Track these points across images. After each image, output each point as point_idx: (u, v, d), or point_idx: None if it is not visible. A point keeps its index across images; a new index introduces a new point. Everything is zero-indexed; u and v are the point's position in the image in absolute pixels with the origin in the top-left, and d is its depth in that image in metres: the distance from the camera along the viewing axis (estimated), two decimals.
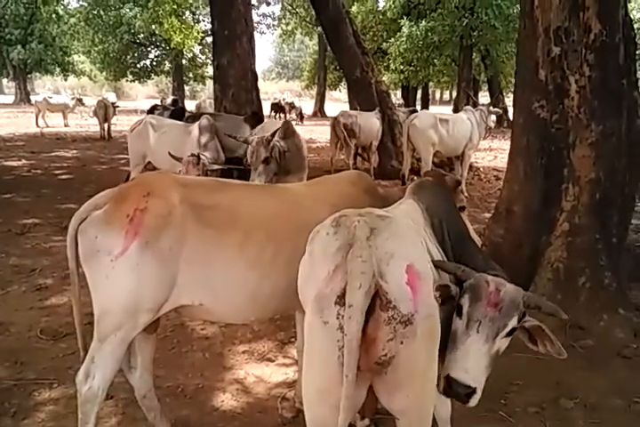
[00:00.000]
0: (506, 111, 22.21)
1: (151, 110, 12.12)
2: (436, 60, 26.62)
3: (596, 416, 3.03)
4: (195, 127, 6.50)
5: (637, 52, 4.55)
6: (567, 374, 3.42)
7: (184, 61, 36.95)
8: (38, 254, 5.68)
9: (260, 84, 9.92)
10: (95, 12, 29.53)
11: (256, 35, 10.43)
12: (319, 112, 35.88)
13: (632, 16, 4.57)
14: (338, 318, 1.63)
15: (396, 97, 30.23)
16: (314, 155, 14.69)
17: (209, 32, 30.54)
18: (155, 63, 37.92)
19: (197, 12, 35.39)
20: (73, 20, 31.91)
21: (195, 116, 8.30)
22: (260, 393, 3.27)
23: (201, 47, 36.20)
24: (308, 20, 31.83)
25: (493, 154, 15.03)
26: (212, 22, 9.93)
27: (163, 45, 34.57)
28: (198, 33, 29.81)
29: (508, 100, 26.57)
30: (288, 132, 5.69)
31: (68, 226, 2.29)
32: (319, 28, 26.07)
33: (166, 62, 37.77)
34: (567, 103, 4.12)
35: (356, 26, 12.86)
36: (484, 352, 1.89)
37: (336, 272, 1.68)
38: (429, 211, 2.29)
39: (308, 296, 1.77)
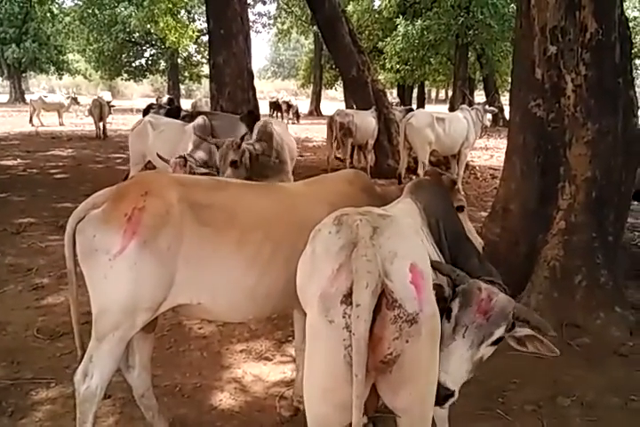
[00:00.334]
0: (501, 110, 22.29)
1: (147, 109, 12.09)
2: (431, 59, 26.63)
3: (593, 414, 3.04)
4: (190, 127, 6.49)
5: (633, 51, 4.57)
6: (564, 372, 3.43)
7: (179, 60, 36.86)
8: (34, 254, 5.67)
9: (256, 82, 9.93)
10: (90, 11, 29.37)
11: (252, 34, 10.41)
12: (315, 111, 35.86)
13: (627, 15, 4.59)
14: (344, 317, 1.62)
15: (392, 96, 30.23)
16: (310, 154, 14.70)
17: (204, 31, 30.55)
18: (150, 62, 37.82)
19: (193, 11, 35.31)
20: (68, 19, 31.75)
21: (191, 115, 8.27)
22: (258, 392, 3.27)
23: (196, 46, 36.13)
24: (303, 18, 31.82)
25: (489, 153, 15.07)
26: (207, 21, 9.93)
27: (158, 44, 34.49)
28: (194, 32, 29.74)
29: (504, 99, 26.64)
30: (265, 134, 5.59)
31: (65, 225, 2.28)
32: (315, 27, 26.07)
33: (161, 61, 37.66)
34: (563, 102, 4.14)
35: (352, 25, 12.85)
36: (466, 358, 1.91)
37: (340, 271, 1.68)
38: (427, 210, 2.30)
39: (310, 295, 1.76)
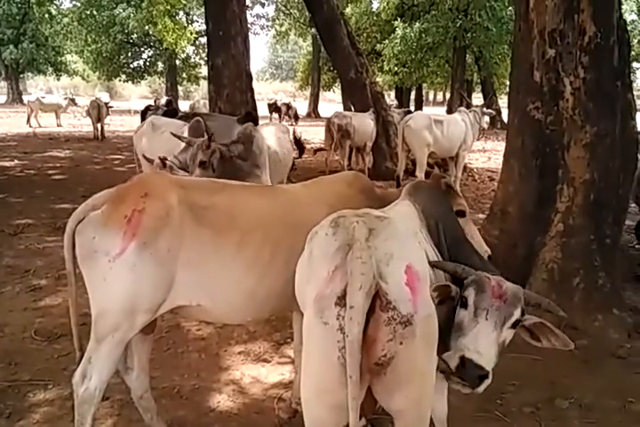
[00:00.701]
0: (499, 112, 22.34)
1: (145, 111, 12.09)
2: (429, 62, 26.70)
3: (592, 416, 3.04)
4: (185, 128, 6.48)
5: (631, 54, 4.58)
6: (562, 374, 3.43)
7: (177, 62, 36.87)
8: (32, 255, 5.65)
9: (254, 84, 9.93)
10: (88, 12, 29.34)
11: (250, 35, 10.42)
12: (313, 113, 35.90)
13: (625, 18, 4.61)
14: (338, 318, 1.63)
15: (390, 98, 30.27)
16: (308, 155, 14.69)
17: (203, 33, 30.56)
18: (148, 63, 37.83)
19: (191, 13, 35.33)
20: (66, 20, 31.69)
21: (187, 116, 8.26)
22: (257, 394, 3.26)
23: (194, 48, 36.14)
24: (301, 20, 31.87)
25: (487, 155, 15.09)
26: (206, 23, 9.93)
27: (156, 46, 34.47)
28: (191, 33, 29.75)
29: (502, 102, 26.69)
30: (244, 136, 5.44)
31: (62, 226, 2.29)
32: (313, 29, 26.14)
33: (160, 63, 37.67)
34: (562, 105, 4.15)
35: (351, 27, 12.88)
36: (493, 339, 1.92)
37: (336, 273, 1.68)
38: (425, 212, 2.30)
39: (307, 297, 1.77)
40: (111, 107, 19.31)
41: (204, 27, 29.66)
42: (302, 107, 34.82)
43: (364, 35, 28.08)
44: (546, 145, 4.23)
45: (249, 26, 12.16)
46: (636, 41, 26.98)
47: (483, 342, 1.90)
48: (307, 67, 37.95)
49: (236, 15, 9.41)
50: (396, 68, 25.76)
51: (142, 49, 37.19)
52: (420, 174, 8.56)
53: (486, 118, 10.46)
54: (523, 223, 4.39)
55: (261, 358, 3.71)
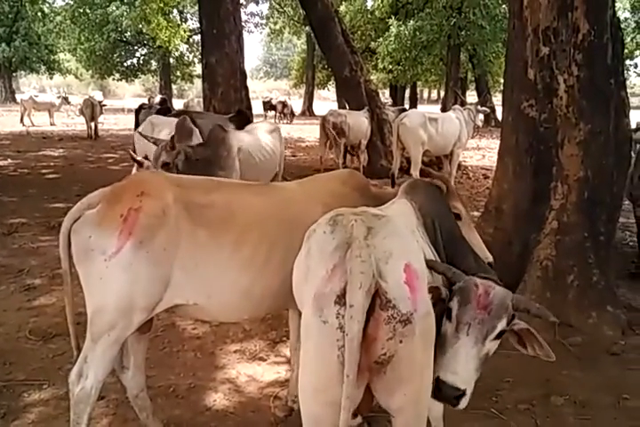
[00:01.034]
0: (493, 110, 22.38)
1: (138, 109, 12.04)
2: (423, 60, 26.66)
3: (586, 413, 3.06)
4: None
5: (624, 52, 4.60)
6: (557, 371, 3.45)
7: (171, 60, 36.74)
8: (26, 254, 5.63)
9: (249, 83, 9.93)
10: (81, 11, 29.21)
11: (244, 34, 10.40)
12: (308, 111, 35.88)
13: (619, 16, 4.64)
14: (337, 317, 1.63)
15: (385, 96, 30.28)
16: (303, 154, 14.70)
17: (196, 31, 30.50)
18: (142, 62, 37.65)
19: (185, 11, 35.22)
20: (59, 18, 31.54)
21: (178, 115, 8.26)
22: (253, 392, 3.26)
23: (188, 46, 36.03)
24: (296, 18, 31.81)
25: (481, 153, 15.12)
26: (200, 21, 9.93)
27: (150, 44, 34.34)
28: (185, 31, 29.65)
29: (496, 100, 26.77)
30: (211, 137, 5.39)
31: (56, 226, 2.28)
32: (307, 27, 26.09)
33: (153, 61, 37.52)
34: (556, 102, 4.16)
35: (345, 25, 12.86)
36: (473, 355, 1.89)
37: (335, 271, 1.68)
38: (422, 210, 2.30)
39: (305, 295, 1.77)
40: (105, 105, 19.22)
41: (197, 25, 29.64)
42: (297, 105, 34.79)
43: (359, 33, 28.05)
44: (540, 143, 4.24)
45: (243, 24, 12.14)
46: (629, 38, 27.08)
47: (461, 360, 1.88)
48: (301, 65, 37.93)
49: (230, 13, 9.39)
50: (390, 66, 25.77)
51: (136, 47, 37.03)
52: (415, 172, 8.56)
53: (480, 116, 10.52)
54: (517, 221, 4.40)
55: (257, 356, 3.71)
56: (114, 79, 39.36)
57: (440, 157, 9.64)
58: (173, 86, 42.84)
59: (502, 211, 4.51)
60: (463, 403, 1.89)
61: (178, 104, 22.14)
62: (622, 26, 5.00)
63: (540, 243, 4.23)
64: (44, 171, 10.78)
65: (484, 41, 24.01)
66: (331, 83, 34.42)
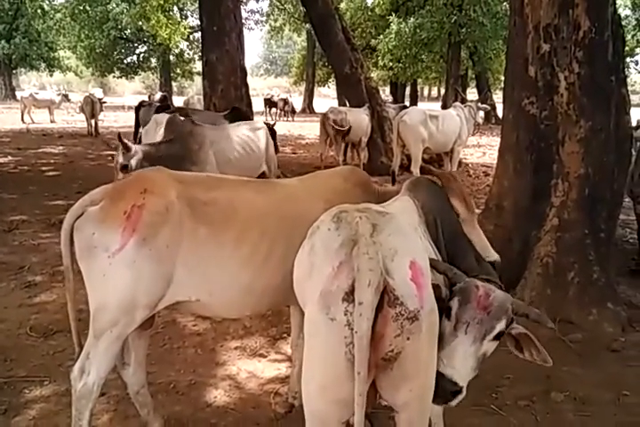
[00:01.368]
0: (494, 108, 22.35)
1: (138, 107, 12.03)
2: (424, 57, 26.66)
3: (586, 409, 3.07)
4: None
5: (625, 49, 4.59)
6: (557, 367, 3.45)
7: (171, 57, 36.69)
8: (26, 251, 5.63)
9: (248, 80, 9.91)
10: (81, 8, 29.11)
11: (244, 31, 10.38)
12: (308, 108, 35.88)
13: (620, 13, 4.62)
14: (346, 314, 1.62)
15: (385, 93, 30.28)
16: (303, 151, 14.70)
17: (197, 28, 30.44)
18: (142, 59, 37.60)
19: (185, 8, 35.15)
20: (59, 16, 31.47)
21: (172, 112, 8.27)
22: (253, 389, 3.27)
23: (188, 43, 35.99)
24: (296, 16, 31.75)
25: (482, 150, 15.11)
26: (200, 18, 9.91)
27: (150, 41, 34.30)
28: (185, 29, 29.60)
29: (496, 97, 26.74)
30: (178, 132, 5.23)
31: (57, 223, 2.29)
32: (307, 25, 26.04)
33: (153, 58, 37.46)
34: (556, 100, 4.16)
35: (345, 22, 12.85)
36: (470, 353, 1.90)
37: (341, 269, 1.67)
38: (424, 208, 2.29)
39: (309, 292, 1.76)
40: (105, 103, 19.22)
41: (197, 22, 29.61)
42: (297, 102, 34.79)
43: (359, 30, 28.02)
44: (540, 140, 4.24)
45: (243, 21, 12.10)
46: (629, 36, 27.04)
47: (459, 357, 1.88)
48: (301, 62, 37.90)
49: (231, 10, 9.37)
50: (390, 64, 25.74)
51: (136, 44, 36.98)
52: (415, 170, 8.56)
53: (481, 113, 10.51)
54: (518, 218, 4.40)
55: (257, 353, 3.71)
56: (114, 76, 39.33)
57: (440, 154, 9.64)
58: (173, 84, 42.78)
59: (503, 208, 4.51)
60: (456, 401, 1.90)
61: (178, 101, 22.12)
62: (623, 23, 4.99)
63: (541, 240, 4.24)
64: (44, 168, 10.78)
65: (485, 38, 24.00)
66: (331, 80, 34.39)
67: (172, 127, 5.43)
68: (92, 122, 17.30)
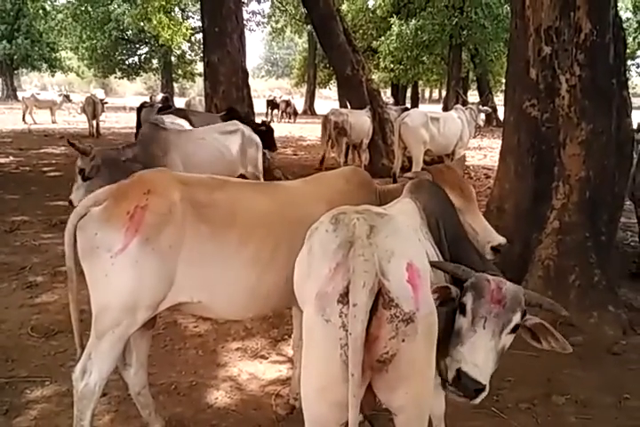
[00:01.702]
0: (495, 110, 22.33)
1: (140, 108, 12.05)
2: (425, 59, 26.70)
3: (587, 412, 3.07)
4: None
5: (626, 52, 4.60)
6: (558, 370, 3.46)
7: (173, 58, 36.74)
8: (28, 252, 5.64)
9: (250, 81, 9.91)
10: (83, 9, 29.16)
11: (245, 32, 10.39)
12: (309, 110, 35.89)
13: (621, 16, 4.62)
14: (341, 316, 1.63)
15: (386, 95, 30.28)
16: (304, 153, 14.71)
17: (198, 29, 30.45)
18: (143, 60, 37.62)
19: (187, 9, 35.19)
20: (60, 16, 31.52)
21: (170, 113, 8.30)
22: (254, 390, 3.27)
23: (190, 44, 36.02)
24: (297, 17, 31.77)
25: (483, 152, 15.11)
26: (202, 19, 9.91)
27: (151, 42, 34.34)
28: (187, 29, 29.62)
29: (497, 99, 26.73)
30: (143, 136, 5.13)
31: (58, 223, 2.30)
32: (309, 26, 26.10)
33: (155, 59, 37.50)
34: (558, 102, 4.16)
35: (347, 24, 12.86)
36: (490, 348, 1.90)
37: (337, 270, 1.68)
38: (426, 210, 2.29)
39: (307, 294, 1.76)
40: (106, 103, 19.25)
41: (199, 23, 29.64)
42: (298, 104, 34.82)
43: (360, 32, 28.06)
44: (542, 142, 4.25)
45: (244, 22, 12.10)
46: (631, 38, 27.05)
47: (480, 353, 1.88)
48: (302, 64, 37.93)
49: (232, 11, 9.37)
50: (391, 66, 25.76)
51: (137, 45, 37.02)
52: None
53: (482, 116, 10.52)
54: (519, 221, 4.40)
55: (259, 354, 3.72)
56: (115, 77, 39.37)
57: (442, 156, 9.64)
58: (175, 85, 42.83)
59: (504, 210, 4.51)
60: (479, 398, 1.89)
61: (179, 102, 22.11)
62: (624, 26, 5.00)
63: (542, 242, 4.24)
64: (45, 169, 10.78)
65: (486, 40, 24.00)
66: (332, 82, 34.38)
67: (141, 131, 5.40)
68: (94, 123, 17.32)
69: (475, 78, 29.78)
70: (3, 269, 5.09)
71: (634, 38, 27.82)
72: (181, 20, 30.87)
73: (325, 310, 1.66)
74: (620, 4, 23.27)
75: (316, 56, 34.07)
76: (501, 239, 2.58)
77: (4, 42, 36.59)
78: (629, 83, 4.80)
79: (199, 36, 31.07)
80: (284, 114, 27.23)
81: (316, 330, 1.70)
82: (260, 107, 20.26)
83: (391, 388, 1.74)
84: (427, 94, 61.81)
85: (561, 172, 4.19)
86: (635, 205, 5.57)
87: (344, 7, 26.65)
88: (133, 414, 2.87)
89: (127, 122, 21.65)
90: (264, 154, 9.32)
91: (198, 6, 12.82)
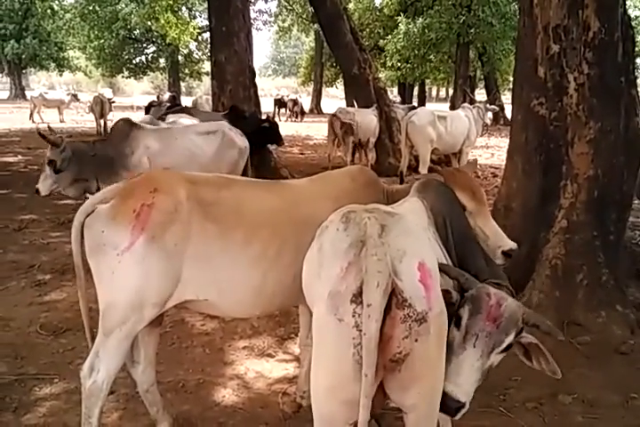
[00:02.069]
0: (502, 108, 22.26)
1: (148, 107, 12.12)
2: (432, 57, 26.61)
3: (594, 412, 3.06)
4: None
5: (635, 50, 4.57)
6: (565, 370, 3.38)
7: (180, 57, 36.82)
8: (36, 250, 5.68)
9: (257, 80, 9.92)
10: (91, 8, 29.33)
11: (252, 31, 10.39)
12: (316, 109, 35.89)
13: (629, 14, 4.58)
14: (354, 316, 1.62)
15: (393, 94, 30.24)
16: (311, 151, 14.72)
17: (205, 28, 30.53)
18: (151, 59, 37.74)
19: (194, 8, 35.27)
20: (68, 16, 31.69)
21: (174, 112, 8.34)
22: (261, 388, 3.29)
23: (197, 43, 36.11)
24: (304, 16, 31.79)
25: (490, 151, 15.06)
26: (209, 18, 9.92)
27: (159, 41, 34.45)
28: (194, 29, 29.70)
29: (505, 98, 26.65)
30: (114, 132, 5.06)
31: (66, 222, 2.32)
32: (316, 25, 26.07)
33: (162, 58, 37.60)
34: (566, 101, 4.14)
35: (354, 22, 12.85)
36: (477, 367, 1.89)
37: (349, 270, 1.67)
38: (434, 210, 2.28)
39: (318, 293, 1.76)
40: (114, 102, 19.31)
41: (206, 22, 29.69)
42: (305, 103, 34.80)
43: (367, 30, 28.03)
44: (550, 141, 4.23)
45: (251, 21, 12.08)
46: (639, 37, 26.88)
47: (465, 373, 1.88)
48: (309, 62, 37.90)
49: (240, 10, 9.38)
50: (398, 64, 25.68)
51: (145, 45, 37.13)
52: (424, 171, 8.55)
53: (489, 114, 10.49)
54: (526, 219, 4.39)
55: (265, 352, 3.73)
56: (123, 77, 39.50)
57: (449, 155, 9.62)
58: (182, 84, 42.93)
59: (511, 209, 4.49)
60: (460, 415, 1.89)
61: (186, 101, 22.16)
62: (633, 24, 4.97)
63: (549, 242, 4.22)
64: None
65: (494, 39, 23.89)
66: (339, 80, 34.35)
67: (113, 127, 5.29)
68: (102, 122, 17.38)
69: (482, 77, 29.68)
70: (11, 268, 5.13)
71: None
72: (189, 20, 31.02)
73: (338, 310, 1.65)
74: (628, 2, 23.13)
75: (323, 55, 34.04)
76: (512, 244, 2.57)
77: (13, 41, 36.81)
78: (638, 81, 4.77)
79: (206, 35, 31.17)
80: (292, 113, 27.26)
81: (328, 329, 1.69)
82: (266, 106, 20.28)
83: (404, 387, 1.74)
84: (434, 93, 61.70)
85: (569, 170, 4.17)
86: None
87: (351, 6, 26.64)
88: (141, 411, 2.89)
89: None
90: (270, 153, 9.40)
91: (205, 5, 12.82)
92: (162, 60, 37.87)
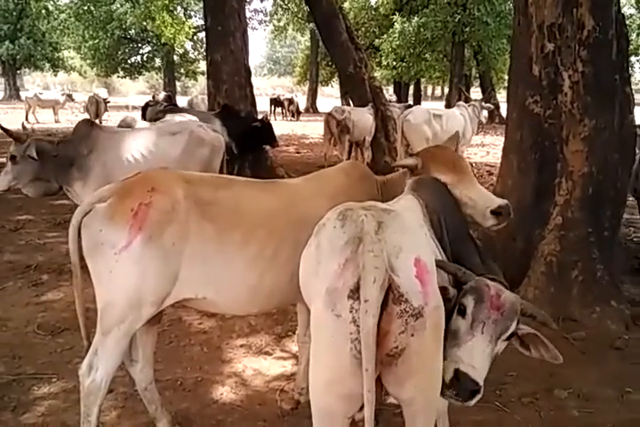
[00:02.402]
0: (498, 107, 22.31)
1: (145, 106, 12.10)
2: (428, 56, 26.66)
3: (590, 406, 3.09)
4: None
5: (629, 49, 4.60)
6: (560, 365, 3.42)
7: (175, 57, 36.78)
8: (33, 250, 5.68)
9: (252, 79, 9.92)
10: (86, 8, 29.29)
11: (248, 31, 10.39)
12: (311, 108, 35.88)
13: (624, 13, 4.61)
14: (351, 311, 1.64)
15: (389, 93, 30.25)
16: (307, 150, 14.73)
17: (201, 28, 30.49)
18: (146, 59, 37.68)
19: (189, 8, 35.24)
20: (63, 16, 31.61)
21: (165, 111, 8.33)
22: (259, 386, 3.30)
23: (192, 43, 36.06)
24: (300, 15, 31.76)
25: (486, 149, 15.10)
26: (204, 18, 9.91)
27: (154, 41, 34.39)
28: (190, 28, 29.69)
29: (500, 96, 26.70)
30: (76, 132, 4.90)
31: (62, 222, 2.32)
32: (311, 24, 26.11)
33: (157, 58, 37.55)
34: (560, 98, 4.17)
35: (349, 22, 12.85)
36: (487, 353, 1.91)
37: (347, 266, 1.69)
38: (429, 207, 2.29)
39: (315, 289, 1.78)
40: (109, 102, 19.30)
41: (201, 22, 29.65)
42: (300, 102, 34.80)
43: (363, 29, 28.04)
44: (544, 139, 4.26)
45: (247, 21, 12.07)
46: (634, 35, 26.98)
47: (478, 356, 1.88)
48: (305, 62, 37.90)
49: (235, 10, 9.37)
50: (394, 63, 25.72)
51: (140, 45, 37.06)
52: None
53: (485, 113, 10.49)
54: (521, 217, 4.39)
55: (263, 350, 3.74)
56: (118, 76, 39.44)
57: None
58: (177, 83, 42.88)
59: None
60: (474, 400, 1.91)
61: (182, 101, 22.14)
62: (627, 22, 5.00)
63: (545, 238, 4.25)
64: None
65: (489, 37, 23.96)
66: (334, 79, 34.34)
67: (75, 127, 5.10)
68: (97, 122, 17.33)
69: (477, 75, 29.74)
70: (8, 268, 5.13)
71: (637, 35, 27.78)
72: (184, 19, 30.98)
73: (336, 306, 1.67)
74: (622, 1, 23.22)
75: (319, 54, 34.05)
76: (501, 201, 2.51)
77: (7, 42, 36.71)
78: (632, 79, 4.81)
79: (202, 34, 31.17)
80: (288, 112, 27.29)
81: (326, 325, 1.71)
82: (262, 105, 20.27)
83: (400, 381, 1.76)
84: (429, 92, 61.76)
85: (564, 168, 4.20)
86: (637, 201, 5.57)
87: (346, 5, 26.63)
88: (140, 409, 2.90)
89: None
90: (265, 152, 9.40)
91: (201, 5, 12.83)
92: (157, 60, 37.84)
